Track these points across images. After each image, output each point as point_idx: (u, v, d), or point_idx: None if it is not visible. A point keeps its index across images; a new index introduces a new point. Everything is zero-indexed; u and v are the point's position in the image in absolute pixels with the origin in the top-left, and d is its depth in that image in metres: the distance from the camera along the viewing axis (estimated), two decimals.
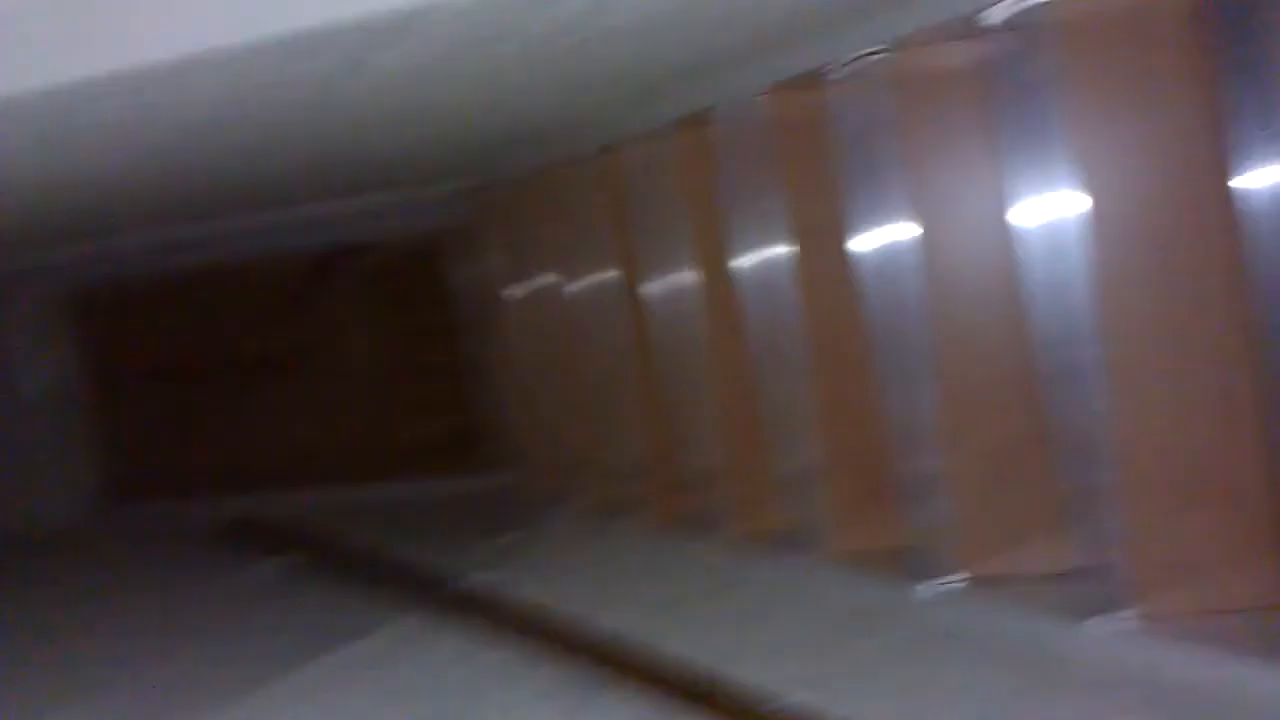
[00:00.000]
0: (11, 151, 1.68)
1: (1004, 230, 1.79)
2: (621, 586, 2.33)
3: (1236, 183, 1.47)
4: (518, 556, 2.73)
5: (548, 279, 2.81)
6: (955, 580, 1.84)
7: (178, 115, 1.61)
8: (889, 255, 1.85)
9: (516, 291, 2.95)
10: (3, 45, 1.35)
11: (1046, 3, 1.53)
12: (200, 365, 4.13)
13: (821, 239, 2.07)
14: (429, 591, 2.40)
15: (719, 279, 2.30)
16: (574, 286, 2.74)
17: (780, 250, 2.08)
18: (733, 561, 2.26)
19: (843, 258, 2.07)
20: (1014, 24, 1.56)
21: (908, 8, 1.65)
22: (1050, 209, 1.59)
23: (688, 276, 2.31)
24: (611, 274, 2.56)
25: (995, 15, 1.60)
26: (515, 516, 3.05)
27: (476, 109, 2.00)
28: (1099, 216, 1.56)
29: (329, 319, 3.97)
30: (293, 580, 2.87)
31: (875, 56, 1.78)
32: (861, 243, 2.01)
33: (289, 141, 1.99)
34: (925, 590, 1.86)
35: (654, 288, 2.45)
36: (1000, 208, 1.78)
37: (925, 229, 1.83)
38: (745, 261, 2.20)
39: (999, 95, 1.74)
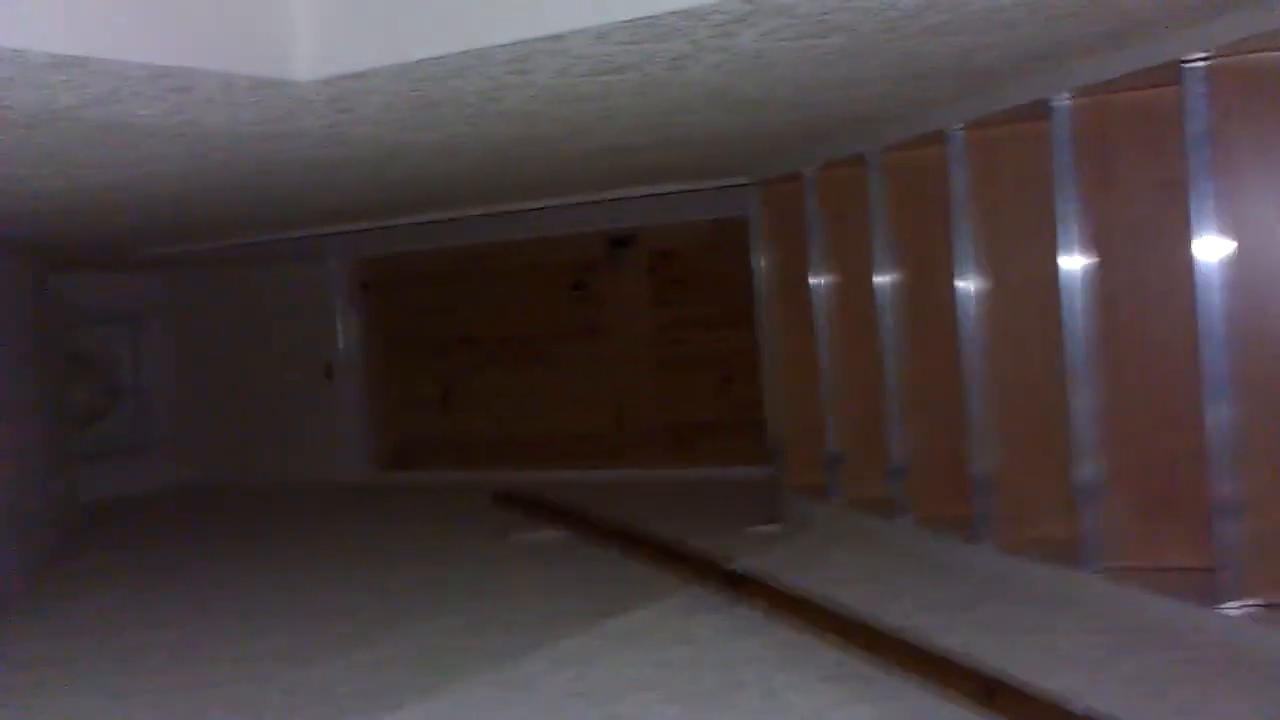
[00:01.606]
0: (367, 117, 1.80)
1: None
2: (886, 584, 2.33)
3: None
4: (777, 547, 2.76)
5: (821, 274, 2.82)
6: (1246, 604, 1.78)
7: (523, 91, 1.70)
8: (1195, 266, 1.80)
9: (790, 285, 2.97)
10: (382, 23, 1.47)
11: None
12: (474, 342, 4.30)
13: (1122, 246, 2.04)
14: (689, 573, 2.45)
15: (1004, 282, 2.28)
16: (847, 283, 2.76)
17: (1076, 257, 2.04)
18: (1004, 568, 2.23)
19: (1144, 266, 2.03)
20: None
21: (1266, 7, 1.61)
22: None
23: (970, 279, 2.28)
24: (887, 273, 2.56)
25: None
26: (774, 508, 3.08)
27: (789, 99, 2.02)
28: None
29: (607, 303, 4.08)
30: (556, 553, 2.96)
31: (1208, 58, 1.74)
32: (1164, 250, 1.97)
33: (606, 123, 2.06)
34: (1213, 612, 1.80)
35: (933, 290, 2.44)
36: None
37: (1242, 240, 1.78)
38: (1036, 266, 2.18)
39: None
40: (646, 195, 3.31)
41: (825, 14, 1.43)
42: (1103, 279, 2.04)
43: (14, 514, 2.90)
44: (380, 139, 2.00)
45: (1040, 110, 2.03)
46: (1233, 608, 1.78)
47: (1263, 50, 1.73)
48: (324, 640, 2.30)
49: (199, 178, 2.27)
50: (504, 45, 1.42)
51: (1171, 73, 1.77)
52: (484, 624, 2.35)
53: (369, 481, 4.44)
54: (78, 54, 1.30)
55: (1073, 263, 2.04)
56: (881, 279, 2.57)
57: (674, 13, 1.35)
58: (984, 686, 1.58)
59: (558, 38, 1.41)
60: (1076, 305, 2.05)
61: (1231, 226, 1.77)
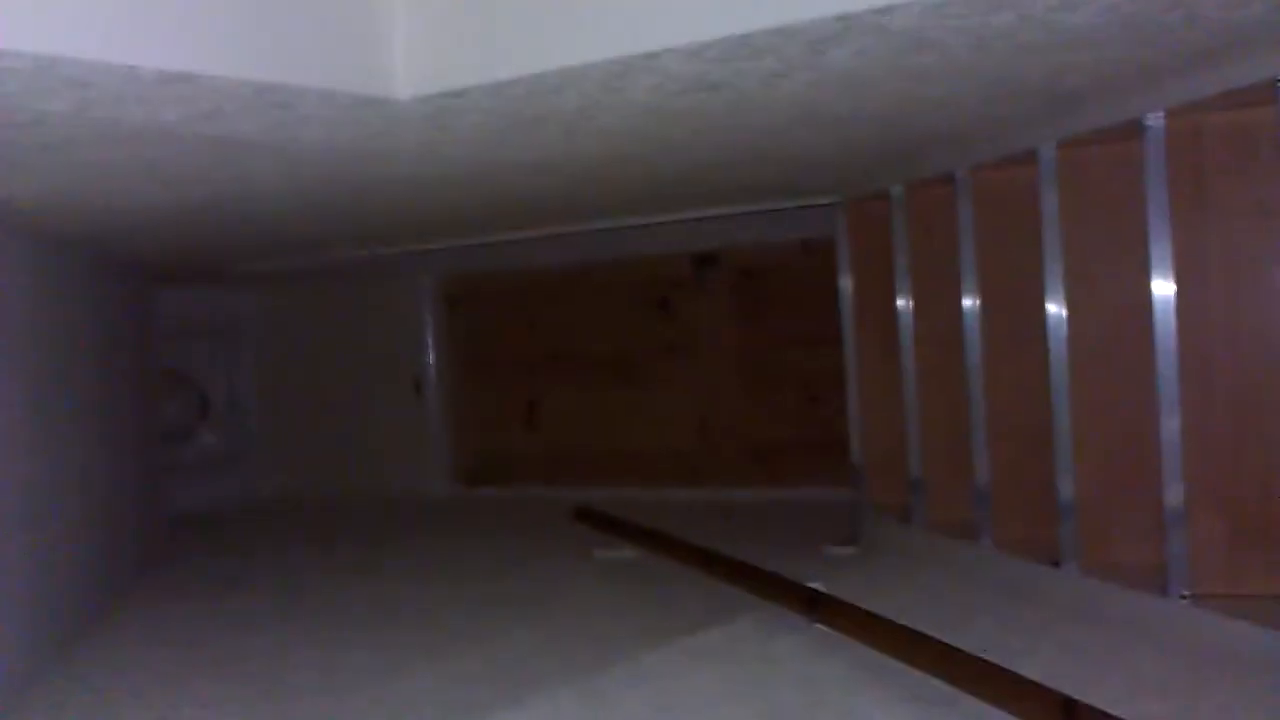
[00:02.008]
0: (463, 135, 1.83)
1: None
2: (966, 607, 2.32)
3: None
4: (856, 568, 2.75)
5: (907, 295, 2.82)
6: None
7: (616, 109, 1.73)
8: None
9: (876, 306, 2.97)
10: (480, 41, 1.50)
11: None
12: (559, 359, 4.34)
13: (1215, 270, 2.02)
14: (769, 592, 2.45)
15: (1094, 304, 2.26)
16: (933, 304, 2.75)
17: (1168, 280, 2.02)
18: (1088, 593, 2.21)
19: (1238, 291, 2.01)
20: None
21: None
22: None
23: (1059, 301, 2.27)
24: (973, 294, 2.55)
25: None
26: (855, 529, 3.07)
27: (878, 117, 2.03)
28: None
29: (691, 322, 4.10)
30: (637, 570, 2.98)
31: None
32: (1260, 276, 1.95)
33: (697, 141, 2.08)
34: None
35: (1020, 312, 2.43)
36: None
37: None
38: (1126, 289, 2.16)
39: None
40: (732, 214, 3.33)
41: (918, 32, 1.44)
42: (1195, 303, 2.02)
43: (110, 527, 2.98)
44: (475, 157, 2.03)
45: (1133, 130, 2.02)
46: None
47: None
48: (409, 652, 2.34)
49: (296, 194, 2.32)
50: (599, 63, 1.45)
51: (1268, 92, 1.76)
52: (566, 639, 2.37)
53: (452, 496, 4.49)
54: (186, 70, 1.35)
55: (1164, 286, 2.02)
56: (968, 300, 2.56)
57: (767, 31, 1.36)
58: (1064, 710, 1.57)
59: (652, 55, 1.43)
60: (1167, 328, 2.02)
61: None
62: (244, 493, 4.64)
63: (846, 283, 3.11)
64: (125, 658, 2.44)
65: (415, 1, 1.53)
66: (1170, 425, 2.03)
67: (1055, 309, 2.28)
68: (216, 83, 1.40)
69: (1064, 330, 2.27)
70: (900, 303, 2.83)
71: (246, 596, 3.00)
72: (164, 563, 3.49)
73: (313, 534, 3.98)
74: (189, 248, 3.22)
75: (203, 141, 1.72)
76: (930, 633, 1.94)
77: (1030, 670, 1.74)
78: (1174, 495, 2.03)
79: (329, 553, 3.59)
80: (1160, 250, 2.02)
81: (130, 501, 3.29)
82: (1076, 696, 1.59)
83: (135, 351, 3.45)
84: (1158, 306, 2.03)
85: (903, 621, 2.03)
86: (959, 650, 1.83)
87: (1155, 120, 1.98)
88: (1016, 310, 2.45)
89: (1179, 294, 2.02)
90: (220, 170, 1.98)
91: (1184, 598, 2.00)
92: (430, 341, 4.55)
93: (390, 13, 1.54)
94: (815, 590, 2.31)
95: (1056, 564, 2.29)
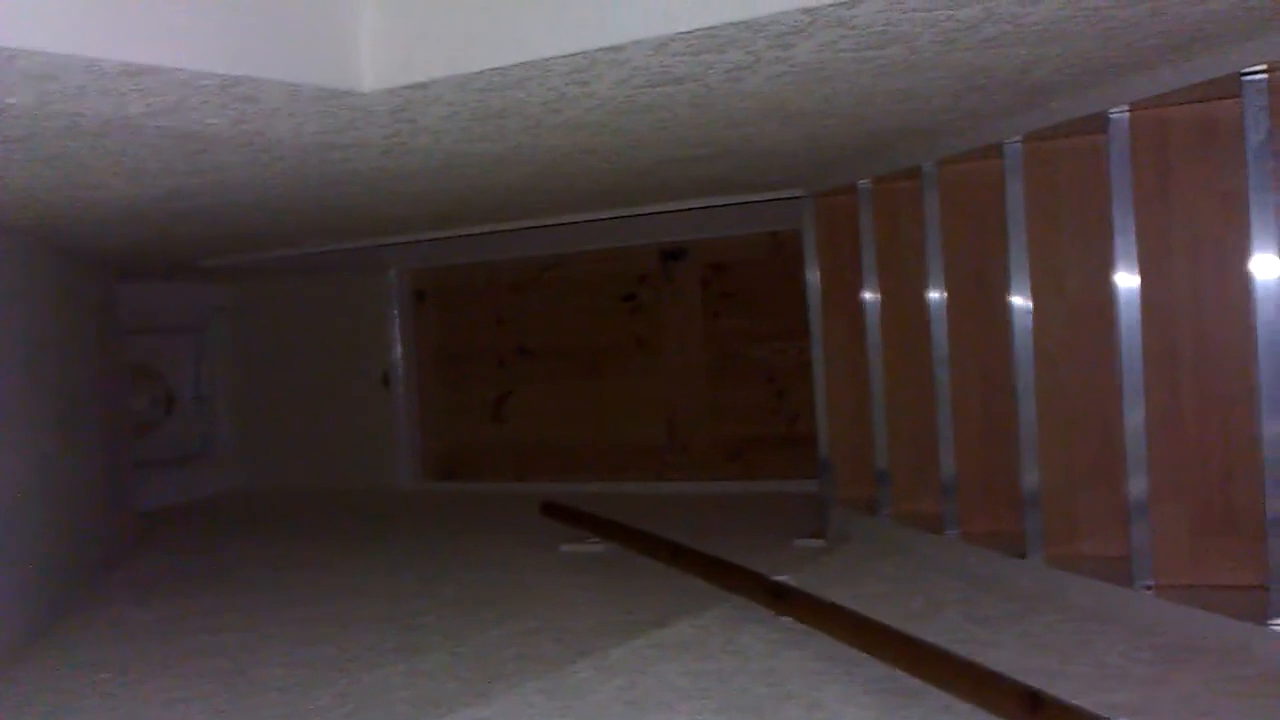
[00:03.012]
0: (429, 128, 1.83)
1: None
2: (932, 598, 2.32)
3: None
4: (823, 560, 2.76)
5: (874, 288, 2.82)
6: None
7: (582, 102, 1.72)
8: (1253, 282, 1.79)
9: (843, 299, 2.97)
10: (445, 34, 1.50)
11: None
12: (527, 353, 4.33)
13: (1179, 261, 2.04)
14: (736, 585, 2.45)
15: (1059, 296, 2.28)
16: (900, 297, 2.76)
17: (1132, 271, 2.03)
18: (1053, 584, 2.23)
19: (1201, 281, 2.03)
20: None
21: None
22: None
23: (1025, 293, 2.28)
24: (939, 287, 2.56)
25: None
26: (820, 522, 3.08)
27: (845, 111, 2.03)
28: None
29: (660, 316, 4.10)
30: (604, 564, 2.98)
31: (1269, 70, 1.73)
32: (1222, 266, 1.96)
33: (663, 135, 2.08)
34: (1264, 630, 1.79)
35: (986, 304, 2.44)
36: None
37: None
38: (1091, 280, 2.18)
39: None
40: (700, 208, 3.33)
41: (884, 26, 1.44)
42: (1159, 293, 2.04)
43: (75, 522, 2.95)
44: (441, 150, 2.02)
45: (1098, 123, 2.03)
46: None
47: None
48: (377, 647, 2.33)
49: (262, 187, 2.31)
50: (565, 56, 1.45)
51: (1231, 85, 1.77)
52: (533, 633, 2.36)
53: (421, 490, 4.48)
54: (149, 63, 1.34)
55: (1128, 277, 2.04)
56: (934, 293, 2.57)
57: (733, 24, 1.36)
58: (1029, 701, 1.57)
59: (618, 48, 1.43)
60: (1131, 320, 2.04)
61: None
62: (213, 487, 4.62)
63: (814, 276, 3.12)
64: (90, 655, 2.42)
65: None
66: (1134, 417, 2.05)
67: (1020, 301, 2.29)
68: (181, 75, 1.39)
69: (1029, 322, 2.28)
70: (867, 296, 2.84)
71: (214, 592, 2.98)
72: (131, 558, 3.46)
73: (281, 529, 3.96)
74: (155, 241, 3.20)
75: (167, 135, 1.70)
76: (897, 624, 1.95)
77: (996, 661, 1.75)
78: (1138, 487, 2.05)
79: (297, 547, 3.57)
80: (1125, 242, 2.03)
81: (96, 496, 3.26)
82: (1042, 687, 1.60)
83: (101, 346, 3.43)
84: (1122, 298, 2.04)
85: (870, 613, 2.04)
86: (925, 642, 1.84)
87: (1120, 113, 2.00)
88: (982, 303, 2.47)
89: (1143, 286, 2.03)
90: (185, 163, 1.97)
91: (1148, 588, 2.02)
92: (398, 335, 4.54)
93: (355, 6, 1.53)
94: (782, 583, 2.31)
95: (1022, 555, 2.31)
